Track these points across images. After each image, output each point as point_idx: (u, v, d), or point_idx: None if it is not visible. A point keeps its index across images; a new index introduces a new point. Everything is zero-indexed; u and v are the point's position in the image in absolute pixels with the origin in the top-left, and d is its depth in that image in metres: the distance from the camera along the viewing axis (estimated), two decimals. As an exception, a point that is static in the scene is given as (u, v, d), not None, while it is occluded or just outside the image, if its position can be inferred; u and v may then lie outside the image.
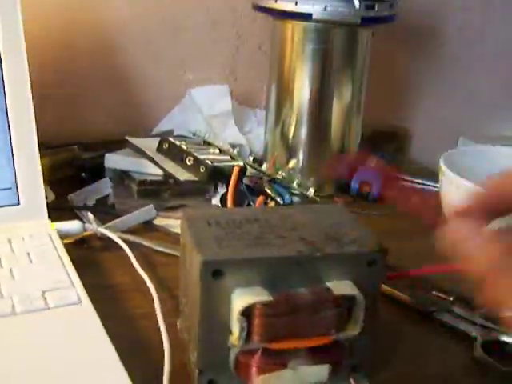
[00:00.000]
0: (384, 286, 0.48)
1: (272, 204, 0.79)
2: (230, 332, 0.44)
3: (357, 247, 0.46)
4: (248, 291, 0.43)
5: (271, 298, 0.43)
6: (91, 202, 0.78)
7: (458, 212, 0.41)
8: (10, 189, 0.65)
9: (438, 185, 0.79)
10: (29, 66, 0.65)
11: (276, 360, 0.44)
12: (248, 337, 0.43)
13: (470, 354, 0.55)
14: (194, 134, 0.92)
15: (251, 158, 0.86)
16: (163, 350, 0.48)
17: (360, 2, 0.78)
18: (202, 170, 0.79)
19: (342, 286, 0.45)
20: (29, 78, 0.65)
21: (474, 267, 0.38)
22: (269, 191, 0.82)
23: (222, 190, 0.79)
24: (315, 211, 0.53)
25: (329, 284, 0.45)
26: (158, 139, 0.86)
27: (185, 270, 0.50)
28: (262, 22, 1.00)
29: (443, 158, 0.73)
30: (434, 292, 0.62)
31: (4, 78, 0.64)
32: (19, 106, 0.65)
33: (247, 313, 0.43)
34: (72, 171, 0.84)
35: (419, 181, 0.95)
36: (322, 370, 0.45)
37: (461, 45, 1.19)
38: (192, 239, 0.46)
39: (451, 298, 0.61)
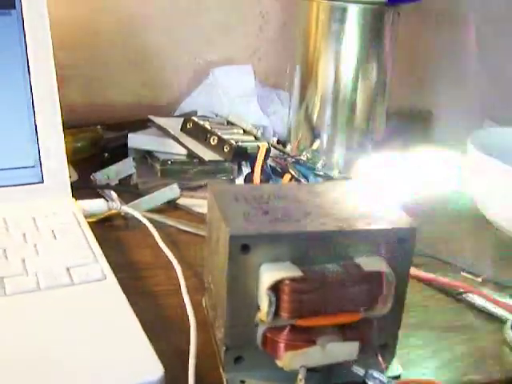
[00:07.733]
0: (412, 266, 0.47)
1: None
2: (257, 308, 0.44)
3: (387, 224, 0.45)
4: (277, 266, 0.42)
5: (301, 274, 0.42)
6: (114, 182, 0.77)
7: None
8: (33, 167, 0.65)
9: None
10: (53, 46, 0.65)
11: (304, 337, 0.43)
12: (276, 313, 0.42)
13: (500, 336, 0.54)
14: (217, 115, 0.92)
15: (275, 139, 0.85)
16: (189, 327, 0.48)
17: (387, -19, 0.77)
18: (226, 150, 0.78)
19: (371, 263, 0.44)
20: (53, 58, 0.65)
21: None
22: (293, 172, 0.81)
23: (245, 170, 0.78)
24: (343, 188, 0.52)
25: (358, 260, 0.44)
26: (181, 119, 0.85)
27: (211, 246, 0.49)
28: (286, 1, 0.99)
29: (470, 137, 0.72)
30: (463, 273, 0.61)
31: (29, 58, 0.64)
32: (43, 86, 0.65)
33: (275, 289, 0.42)
34: (95, 151, 0.84)
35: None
36: (352, 348, 0.44)
37: (487, 24, 1.17)
38: (219, 214, 0.45)
39: (480, 279, 0.60)
